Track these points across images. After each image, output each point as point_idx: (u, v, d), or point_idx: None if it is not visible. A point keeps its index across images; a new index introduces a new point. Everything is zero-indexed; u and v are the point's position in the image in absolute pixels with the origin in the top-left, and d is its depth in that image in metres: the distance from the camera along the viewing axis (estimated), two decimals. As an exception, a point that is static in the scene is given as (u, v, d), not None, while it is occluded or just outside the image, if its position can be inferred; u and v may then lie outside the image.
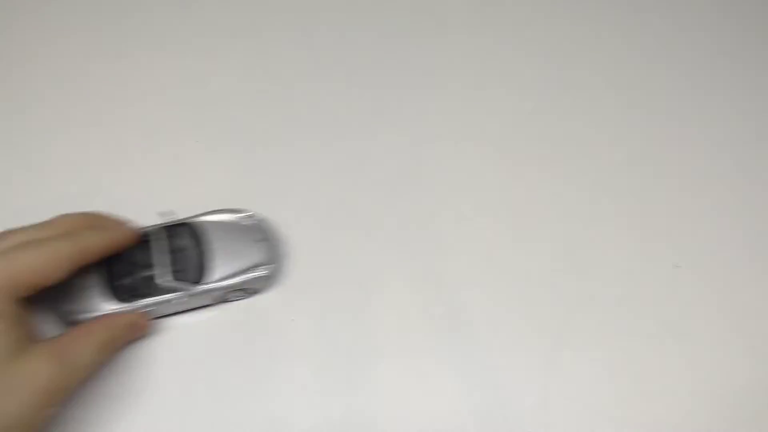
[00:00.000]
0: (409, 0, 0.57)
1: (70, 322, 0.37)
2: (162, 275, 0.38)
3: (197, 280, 0.38)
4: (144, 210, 0.42)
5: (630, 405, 0.39)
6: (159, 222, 0.40)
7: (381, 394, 0.39)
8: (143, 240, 0.38)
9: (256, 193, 0.45)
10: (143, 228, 0.39)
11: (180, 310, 0.39)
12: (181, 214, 0.41)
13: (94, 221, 0.37)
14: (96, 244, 0.36)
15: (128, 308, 0.37)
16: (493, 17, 0.56)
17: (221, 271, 0.38)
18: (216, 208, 0.41)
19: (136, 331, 0.38)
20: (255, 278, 0.39)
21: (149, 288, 0.37)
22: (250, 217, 0.41)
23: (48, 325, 0.37)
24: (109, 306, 0.37)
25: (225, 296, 0.39)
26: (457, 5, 0.57)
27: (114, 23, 0.54)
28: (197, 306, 0.40)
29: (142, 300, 0.37)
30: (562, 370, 0.40)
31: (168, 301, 0.38)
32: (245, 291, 0.40)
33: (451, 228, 0.45)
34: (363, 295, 0.42)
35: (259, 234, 0.40)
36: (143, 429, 0.37)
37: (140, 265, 0.38)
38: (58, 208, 0.45)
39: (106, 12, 0.55)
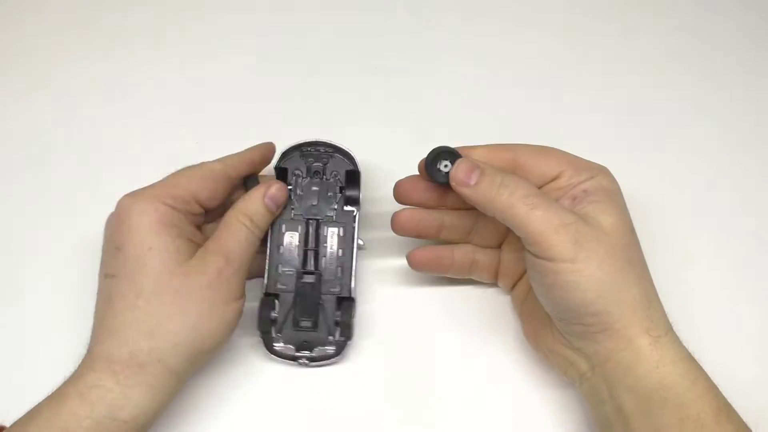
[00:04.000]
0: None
1: None
2: None
3: None
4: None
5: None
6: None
7: None
8: None
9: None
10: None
11: None
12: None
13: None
14: (241, 158, 0.39)
15: None
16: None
17: None
18: None
19: (273, 200, 0.39)
20: None
21: None
22: None
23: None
24: None
25: None
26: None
27: (113, 22, 0.54)
28: None
29: None
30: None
31: None
32: None
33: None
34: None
35: None
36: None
37: None
38: (57, 208, 0.45)
39: (106, 10, 0.55)
